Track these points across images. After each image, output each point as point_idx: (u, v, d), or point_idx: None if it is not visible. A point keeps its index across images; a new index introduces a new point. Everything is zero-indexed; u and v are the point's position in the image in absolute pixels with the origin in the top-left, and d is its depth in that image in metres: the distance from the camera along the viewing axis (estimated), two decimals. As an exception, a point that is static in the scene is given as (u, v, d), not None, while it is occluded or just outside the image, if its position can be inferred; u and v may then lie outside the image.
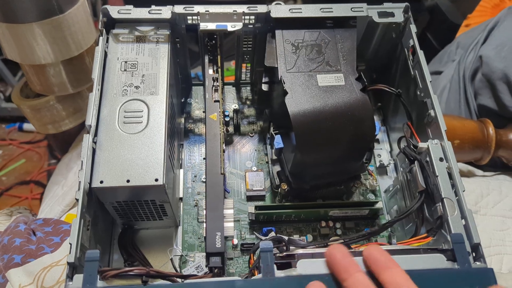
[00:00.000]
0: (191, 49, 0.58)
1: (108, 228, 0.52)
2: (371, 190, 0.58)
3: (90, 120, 0.44)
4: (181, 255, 0.52)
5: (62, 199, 0.59)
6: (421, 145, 0.46)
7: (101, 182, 0.43)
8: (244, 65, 0.62)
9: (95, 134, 0.44)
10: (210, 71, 0.51)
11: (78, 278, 0.36)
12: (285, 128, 0.51)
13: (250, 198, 0.57)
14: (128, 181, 0.43)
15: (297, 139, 0.46)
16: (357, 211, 0.53)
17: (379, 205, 0.53)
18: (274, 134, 0.51)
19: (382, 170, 0.60)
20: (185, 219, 0.55)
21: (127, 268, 0.36)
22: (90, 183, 0.42)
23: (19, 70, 1.44)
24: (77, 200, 0.40)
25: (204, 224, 0.48)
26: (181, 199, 0.56)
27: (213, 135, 0.48)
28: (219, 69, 0.51)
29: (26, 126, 1.54)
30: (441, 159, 0.44)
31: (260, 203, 0.56)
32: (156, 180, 0.43)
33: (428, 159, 0.45)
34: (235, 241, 0.53)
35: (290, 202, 0.55)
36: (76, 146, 0.66)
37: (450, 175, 0.43)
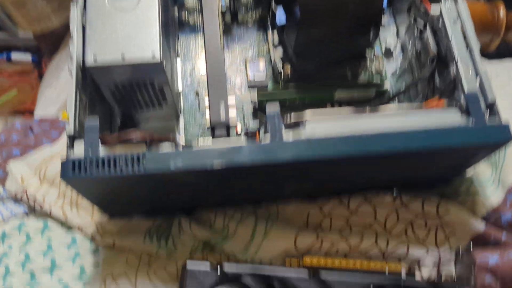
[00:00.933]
0: None
1: (107, 120, 0.50)
2: (378, 73, 0.55)
3: (75, -12, 0.40)
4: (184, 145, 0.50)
5: (56, 98, 0.57)
6: (433, 11, 0.43)
7: (95, 60, 0.40)
8: None
9: (84, 8, 0.41)
10: None
11: (80, 146, 0.35)
12: (287, 4, 0.48)
13: (252, 88, 0.54)
14: (123, 58, 0.40)
15: (301, 9, 0.43)
16: (363, 92, 0.51)
17: (387, 85, 0.51)
18: (275, 9, 0.47)
19: (388, 54, 0.57)
20: (186, 110, 0.53)
21: (130, 130, 0.34)
22: (83, 62, 0.40)
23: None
24: (70, 72, 0.38)
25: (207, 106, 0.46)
26: (180, 93, 0.54)
27: (210, 10, 0.44)
28: None
29: (14, 56, 1.49)
30: (455, 21, 0.41)
31: (263, 90, 0.53)
32: (153, 56, 0.41)
33: (440, 25, 0.42)
34: (239, 129, 0.52)
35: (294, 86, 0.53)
36: (65, 47, 0.63)
37: (464, 36, 0.41)
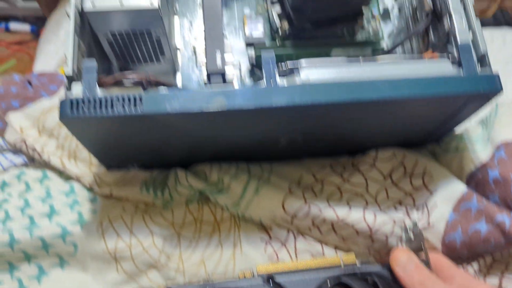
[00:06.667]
0: None
1: (104, 74, 0.51)
2: (374, 34, 0.56)
3: None
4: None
5: (55, 54, 0.57)
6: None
7: (93, 6, 0.41)
8: None
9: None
10: None
11: (77, 87, 0.36)
12: (285, -41, 0.48)
13: (249, 45, 0.55)
14: (121, 4, 0.41)
15: (299, -38, 0.43)
16: (360, 51, 0.52)
17: (382, 44, 0.51)
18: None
19: (385, 15, 0.57)
20: (184, 67, 0.53)
21: (127, 72, 0.35)
22: (81, 7, 0.40)
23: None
24: (69, 16, 0.38)
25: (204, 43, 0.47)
26: (178, 49, 0.55)
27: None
28: None
29: (13, 25, 1.48)
30: (450, -27, 0.41)
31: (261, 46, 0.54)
32: (151, 3, 0.41)
33: (436, -22, 0.43)
34: (236, 85, 0.52)
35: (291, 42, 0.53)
36: (65, 3, 0.63)
37: (459, -11, 0.41)
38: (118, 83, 0.35)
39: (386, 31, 0.56)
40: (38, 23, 1.49)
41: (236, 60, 0.53)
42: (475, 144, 0.46)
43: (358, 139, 0.47)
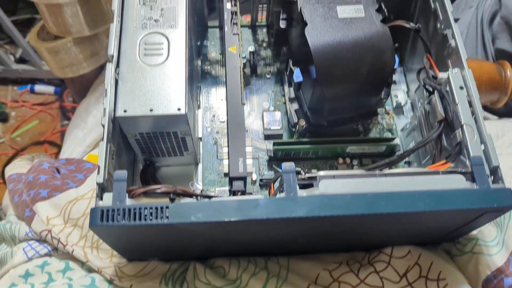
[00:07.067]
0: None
1: (130, 165, 0.53)
2: (388, 129, 0.58)
3: (112, 50, 0.44)
4: (202, 190, 0.53)
5: (83, 140, 0.60)
6: (441, 75, 0.46)
7: (125, 111, 0.43)
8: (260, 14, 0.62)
9: (117, 65, 0.45)
10: (228, 5, 0.51)
11: (108, 196, 0.38)
12: (303, 63, 0.51)
13: (267, 137, 0.57)
14: (151, 110, 0.44)
15: (317, 71, 0.46)
16: (374, 147, 0.54)
17: (396, 141, 0.53)
18: (293, 69, 0.51)
19: (398, 110, 0.60)
20: (205, 157, 0.56)
21: (155, 186, 0.37)
22: (114, 113, 0.43)
23: (28, 32, 1.44)
24: (103, 126, 0.41)
25: (224, 154, 0.49)
26: (200, 139, 0.57)
27: (232, 67, 0.48)
28: (237, 4, 0.51)
29: (38, 88, 1.55)
30: (461, 87, 0.44)
31: (278, 141, 0.56)
32: (179, 109, 0.44)
33: (448, 88, 0.45)
34: (254, 176, 0.54)
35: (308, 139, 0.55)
36: (94, 91, 0.67)
37: (470, 103, 0.43)
38: (147, 193, 0.37)
39: (400, 125, 0.59)
40: (62, 85, 1.56)
41: (255, 153, 0.56)
42: (490, 247, 0.46)
43: (375, 238, 0.48)
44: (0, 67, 1.47)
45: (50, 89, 1.56)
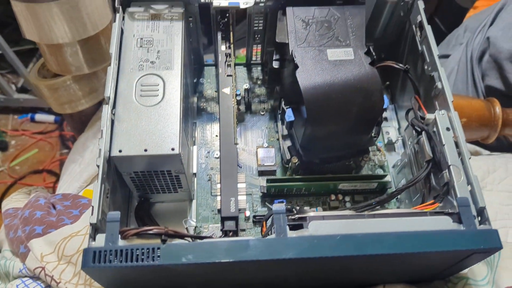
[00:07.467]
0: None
1: (125, 201, 0.54)
2: (380, 165, 0.59)
3: (109, 92, 0.45)
4: (196, 226, 0.53)
5: (79, 176, 0.61)
6: (429, 116, 0.47)
7: (120, 151, 0.45)
8: (255, 48, 0.64)
9: (114, 106, 0.46)
10: (223, 47, 0.53)
11: (101, 237, 0.38)
12: (295, 103, 0.53)
13: (261, 173, 0.58)
14: (145, 150, 0.45)
15: (308, 112, 0.47)
16: (366, 184, 0.54)
17: (388, 178, 0.54)
18: (285, 108, 0.52)
19: (390, 146, 0.61)
20: (199, 193, 0.57)
21: (147, 228, 0.38)
22: (109, 153, 0.44)
23: (31, 62, 1.47)
24: (98, 166, 0.42)
25: (218, 190, 0.50)
26: (195, 174, 0.58)
27: (226, 107, 0.49)
28: (232, 46, 0.53)
29: (38, 117, 1.58)
30: (447, 129, 0.45)
31: (271, 177, 0.57)
32: (173, 149, 0.45)
33: (435, 129, 0.46)
34: (248, 213, 0.55)
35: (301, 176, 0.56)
36: (92, 126, 0.68)
37: (457, 144, 0.44)
38: (139, 234, 0.38)
39: (391, 161, 0.60)
40: (62, 115, 1.58)
41: (249, 189, 0.57)
42: (481, 287, 0.47)
43: (366, 276, 0.48)
44: (2, 96, 1.49)
45: (51, 117, 1.58)
